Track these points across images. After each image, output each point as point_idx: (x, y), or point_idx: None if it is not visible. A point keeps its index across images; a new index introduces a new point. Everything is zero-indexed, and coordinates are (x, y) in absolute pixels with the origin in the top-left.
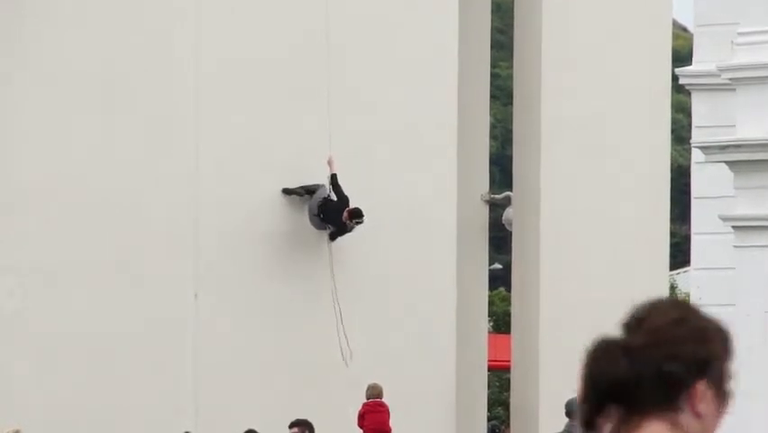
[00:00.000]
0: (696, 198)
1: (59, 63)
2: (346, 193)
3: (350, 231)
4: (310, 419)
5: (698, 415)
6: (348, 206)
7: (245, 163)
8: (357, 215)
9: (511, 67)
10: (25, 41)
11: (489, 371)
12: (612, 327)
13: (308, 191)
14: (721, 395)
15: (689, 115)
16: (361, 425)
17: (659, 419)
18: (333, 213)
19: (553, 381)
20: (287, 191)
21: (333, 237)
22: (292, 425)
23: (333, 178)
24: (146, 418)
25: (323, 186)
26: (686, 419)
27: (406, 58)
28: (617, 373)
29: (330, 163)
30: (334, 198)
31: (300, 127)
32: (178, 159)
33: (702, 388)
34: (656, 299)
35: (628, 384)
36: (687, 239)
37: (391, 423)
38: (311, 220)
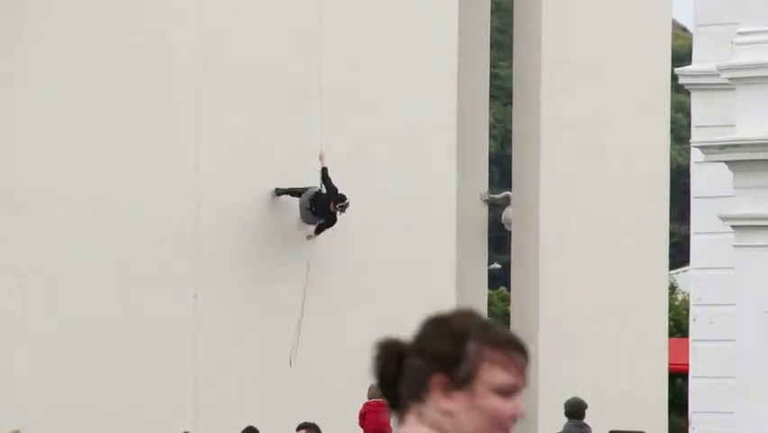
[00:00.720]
0: (695, 197)
1: (59, 63)
2: (344, 191)
3: (336, 220)
4: (310, 419)
5: (444, 411)
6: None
7: (245, 163)
8: (340, 199)
9: (511, 66)
10: (25, 41)
11: None
12: (612, 326)
13: (297, 193)
14: (478, 396)
15: (688, 114)
16: (361, 424)
17: (412, 411)
18: (324, 205)
19: (553, 381)
20: (279, 192)
21: (319, 230)
22: (300, 427)
23: (324, 171)
24: (146, 418)
25: (312, 187)
26: (430, 411)
27: (405, 58)
28: (387, 370)
29: (321, 157)
30: (325, 191)
31: (300, 127)
32: (178, 159)
33: (438, 381)
34: (462, 308)
35: (397, 380)
36: (686, 239)
37: (392, 423)
38: (302, 215)
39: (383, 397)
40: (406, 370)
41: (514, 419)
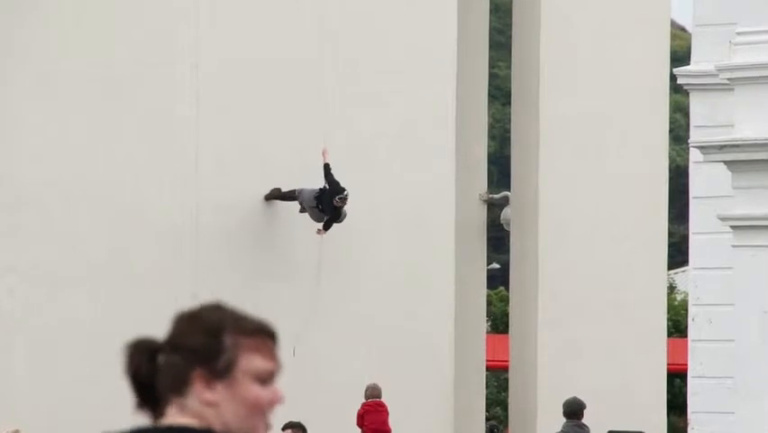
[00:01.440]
0: (694, 197)
1: (59, 63)
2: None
3: (342, 215)
4: (309, 419)
5: (207, 402)
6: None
7: (245, 163)
8: (339, 192)
9: (510, 67)
10: (25, 41)
11: (487, 371)
12: (611, 326)
13: (285, 197)
14: (239, 385)
15: (687, 114)
16: (360, 425)
17: (174, 405)
18: (329, 201)
19: (552, 381)
20: (268, 197)
21: (327, 226)
22: (285, 427)
23: (326, 167)
24: (146, 418)
25: (301, 190)
26: (192, 403)
27: (404, 58)
28: (141, 368)
29: (324, 154)
30: (328, 187)
31: (300, 127)
32: (178, 159)
33: (200, 375)
34: (208, 302)
35: (152, 377)
36: (685, 239)
37: (390, 423)
38: (310, 213)
39: (137, 395)
40: (163, 366)
41: (272, 405)
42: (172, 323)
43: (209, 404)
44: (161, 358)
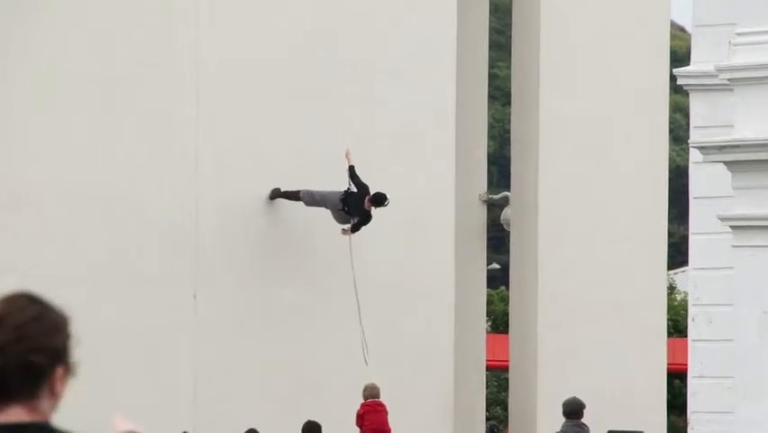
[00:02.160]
0: (694, 198)
1: (59, 63)
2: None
3: (371, 217)
4: (308, 420)
5: (59, 396)
6: (368, 193)
7: (245, 163)
8: (379, 201)
9: (509, 67)
10: (25, 41)
11: (487, 371)
12: (610, 327)
13: (290, 196)
14: (69, 373)
15: (687, 115)
16: (359, 425)
17: (19, 404)
18: (356, 203)
19: (551, 381)
20: (272, 196)
21: (355, 228)
22: (305, 427)
23: (351, 169)
24: (145, 418)
25: (308, 191)
26: (44, 402)
27: (404, 58)
28: None
29: (347, 155)
30: (355, 189)
31: (300, 128)
32: (178, 159)
33: (61, 373)
34: (11, 295)
35: None
36: (685, 239)
37: (390, 423)
38: (335, 216)
39: None
40: (12, 367)
41: None
42: (12, 326)
43: (58, 397)
44: (7, 359)
